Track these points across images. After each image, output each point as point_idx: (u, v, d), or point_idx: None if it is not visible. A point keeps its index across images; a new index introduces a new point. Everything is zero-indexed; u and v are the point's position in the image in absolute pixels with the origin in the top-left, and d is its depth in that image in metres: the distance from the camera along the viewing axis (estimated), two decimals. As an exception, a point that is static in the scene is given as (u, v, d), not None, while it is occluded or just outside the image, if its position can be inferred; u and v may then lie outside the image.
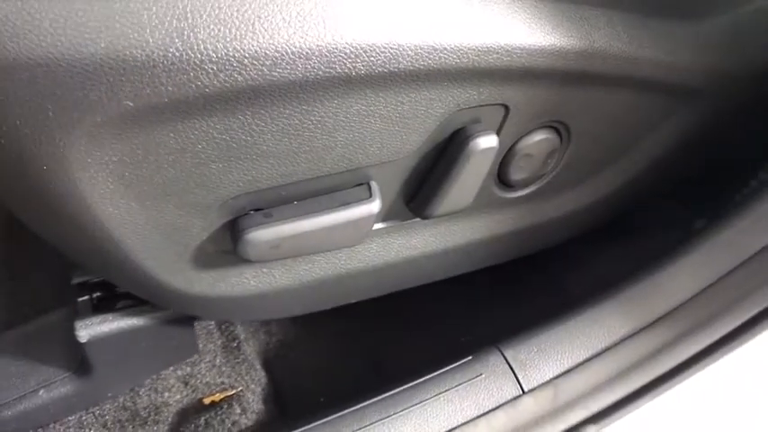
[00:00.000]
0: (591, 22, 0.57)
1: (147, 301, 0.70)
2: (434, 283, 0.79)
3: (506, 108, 0.59)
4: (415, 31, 0.48)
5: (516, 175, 0.68)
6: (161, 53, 0.41)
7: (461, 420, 0.64)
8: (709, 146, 0.81)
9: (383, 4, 0.47)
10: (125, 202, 0.49)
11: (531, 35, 0.54)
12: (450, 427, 0.64)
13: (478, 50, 0.51)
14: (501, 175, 0.67)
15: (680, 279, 0.71)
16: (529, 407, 0.65)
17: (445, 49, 0.49)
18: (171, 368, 0.79)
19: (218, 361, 0.82)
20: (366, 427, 0.63)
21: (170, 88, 0.42)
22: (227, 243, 0.56)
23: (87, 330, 0.66)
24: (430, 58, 0.49)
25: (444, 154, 0.60)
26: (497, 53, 0.52)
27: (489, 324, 0.89)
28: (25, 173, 0.45)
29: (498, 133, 0.60)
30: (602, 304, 0.70)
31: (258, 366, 0.84)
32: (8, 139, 0.42)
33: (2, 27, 0.38)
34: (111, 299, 0.72)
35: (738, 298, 0.67)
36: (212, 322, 0.86)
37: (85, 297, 0.71)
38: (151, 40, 0.40)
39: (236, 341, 0.84)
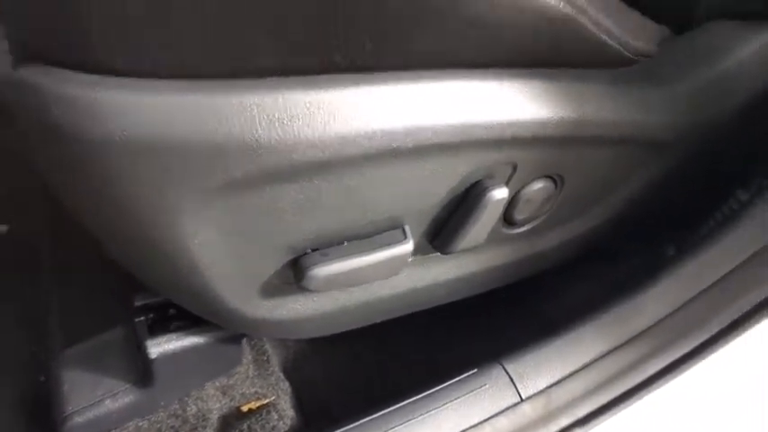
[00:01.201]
0: (583, 97, 0.69)
1: (199, 322, 0.80)
2: (435, 307, 0.89)
3: (514, 166, 0.70)
4: (455, 111, 0.59)
5: (519, 216, 0.78)
6: (266, 138, 0.51)
7: (469, 424, 0.72)
8: (675, 187, 0.92)
9: (430, 93, 0.58)
10: (216, 248, 0.59)
11: (539, 110, 0.65)
12: (459, 430, 0.72)
13: (502, 124, 0.62)
14: (506, 217, 0.78)
15: (651, 303, 0.78)
16: (526, 412, 0.73)
17: (477, 124, 0.61)
18: (210, 381, 0.88)
19: (250, 373, 0.91)
20: (390, 430, 0.72)
21: (269, 163, 0.52)
22: (290, 276, 0.66)
23: (156, 348, 0.76)
24: (465, 133, 0.60)
25: (463, 203, 0.70)
26: (515, 126, 0.63)
27: (484, 342, 0.98)
28: (137, 224, 0.54)
29: (507, 184, 0.71)
30: (585, 326, 0.79)
31: (284, 377, 0.93)
32: (130, 199, 0.52)
33: (137, 117, 0.47)
34: (164, 320, 0.81)
35: (702, 320, 0.76)
36: (243, 340, 0.95)
37: (141, 318, 0.81)
38: (259, 129, 0.50)
39: (266, 355, 0.93)
